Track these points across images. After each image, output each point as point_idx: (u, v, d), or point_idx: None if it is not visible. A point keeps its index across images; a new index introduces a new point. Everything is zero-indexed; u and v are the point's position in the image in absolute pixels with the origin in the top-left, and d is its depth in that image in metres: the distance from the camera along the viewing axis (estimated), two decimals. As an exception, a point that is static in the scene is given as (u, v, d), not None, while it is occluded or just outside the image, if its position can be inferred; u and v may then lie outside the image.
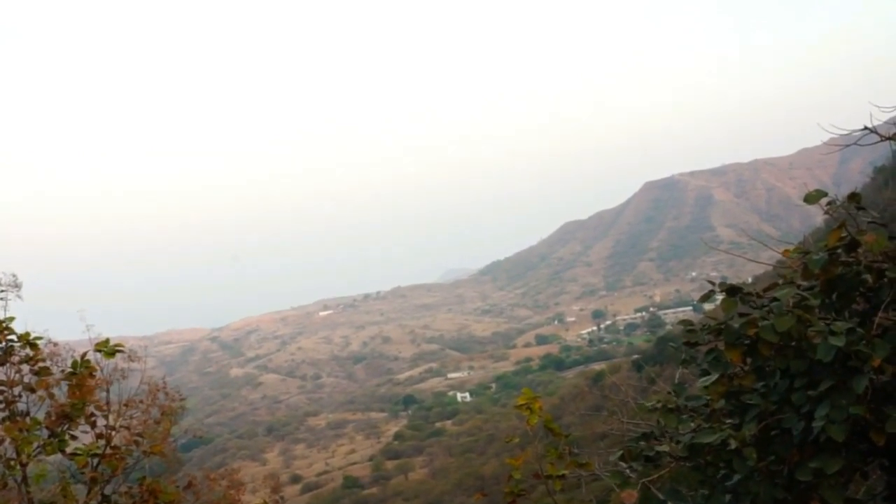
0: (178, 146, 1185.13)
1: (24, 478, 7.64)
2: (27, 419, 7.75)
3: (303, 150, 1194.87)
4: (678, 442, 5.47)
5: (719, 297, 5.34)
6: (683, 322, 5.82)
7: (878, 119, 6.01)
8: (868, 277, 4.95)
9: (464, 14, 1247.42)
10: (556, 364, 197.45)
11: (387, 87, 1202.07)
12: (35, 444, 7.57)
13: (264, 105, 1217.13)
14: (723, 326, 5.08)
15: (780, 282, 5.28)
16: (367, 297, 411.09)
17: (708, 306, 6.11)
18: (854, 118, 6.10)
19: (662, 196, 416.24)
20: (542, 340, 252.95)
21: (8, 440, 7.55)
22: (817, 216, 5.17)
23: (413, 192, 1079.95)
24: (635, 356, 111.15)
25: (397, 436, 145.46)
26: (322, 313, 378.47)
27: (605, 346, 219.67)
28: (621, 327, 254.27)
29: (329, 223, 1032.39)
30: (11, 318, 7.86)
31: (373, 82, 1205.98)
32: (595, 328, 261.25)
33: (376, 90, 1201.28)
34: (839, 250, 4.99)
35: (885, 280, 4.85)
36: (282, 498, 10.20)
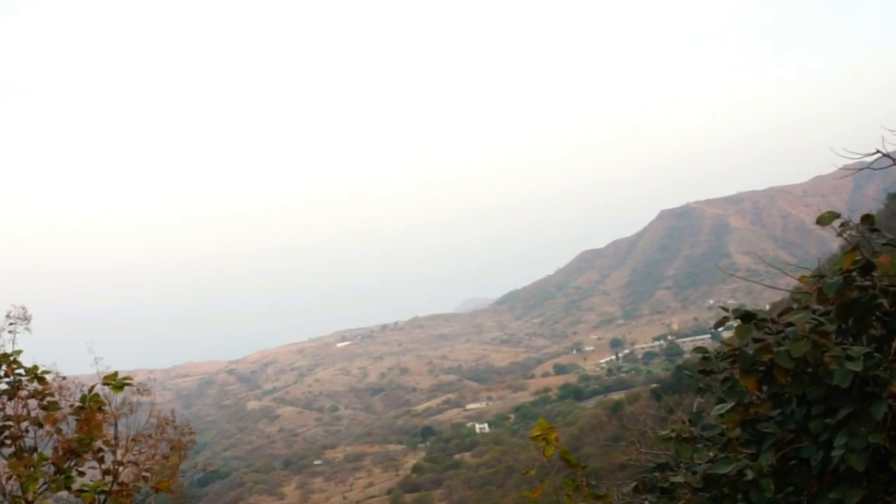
0: (192, 177, 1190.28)
1: (30, 515, 7.52)
2: (34, 455, 7.66)
3: (320, 181, 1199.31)
4: (694, 472, 5.36)
5: (734, 323, 5.26)
6: (698, 349, 5.74)
7: (892, 144, 5.97)
8: (884, 301, 4.86)
9: (479, 48, 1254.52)
10: (574, 394, 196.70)
11: (403, 121, 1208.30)
12: (41, 481, 7.47)
13: (281, 137, 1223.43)
14: (737, 353, 5.00)
15: (795, 306, 5.19)
16: (384, 327, 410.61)
17: (726, 334, 6.01)
18: (867, 146, 6.06)
19: (678, 224, 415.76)
20: (560, 370, 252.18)
21: (13, 477, 7.46)
22: (833, 242, 5.06)
23: (430, 223, 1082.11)
24: (654, 385, 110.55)
25: (416, 468, 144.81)
26: (339, 344, 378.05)
27: (623, 375, 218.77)
28: (639, 356, 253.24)
29: (346, 254, 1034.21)
30: (19, 352, 7.79)
31: (388, 115, 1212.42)
32: (613, 357, 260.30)
33: (392, 125, 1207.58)
34: (854, 273, 4.90)
35: None
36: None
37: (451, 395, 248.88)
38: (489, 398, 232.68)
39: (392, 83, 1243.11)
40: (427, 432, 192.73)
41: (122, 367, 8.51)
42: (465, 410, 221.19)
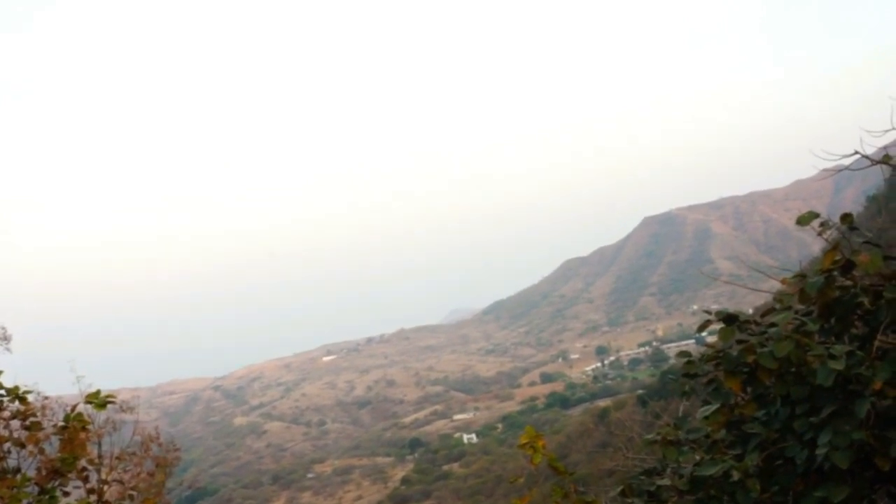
0: (175, 194, 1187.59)
1: (14, 537, 7.47)
2: (17, 476, 7.61)
3: (304, 195, 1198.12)
4: (680, 475, 5.37)
5: (718, 326, 5.28)
6: (682, 353, 5.75)
7: (870, 146, 6.01)
8: (865, 300, 4.88)
9: (460, 58, 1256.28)
10: (561, 402, 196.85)
11: (388, 132, 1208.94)
12: (24, 502, 7.41)
13: (266, 152, 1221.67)
14: (721, 355, 5.02)
15: (778, 307, 5.21)
16: (370, 340, 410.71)
17: (710, 338, 6.07)
18: (846, 149, 6.10)
19: (661, 231, 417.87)
20: (546, 378, 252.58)
21: (-3, 498, 7.41)
22: (814, 245, 5.09)
23: (414, 235, 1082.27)
24: (640, 391, 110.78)
25: (404, 480, 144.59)
26: (325, 358, 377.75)
27: (609, 382, 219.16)
28: (625, 363, 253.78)
29: (330, 267, 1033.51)
30: (-1, 372, 7.73)
31: (373, 127, 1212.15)
32: (599, 364, 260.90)
33: (378, 136, 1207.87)
34: (835, 273, 4.92)
35: (883, 301, 4.79)
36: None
37: (438, 407, 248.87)
38: (476, 408, 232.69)
39: (372, 88, 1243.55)
40: (415, 444, 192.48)
41: (105, 385, 8.49)
42: (453, 421, 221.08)
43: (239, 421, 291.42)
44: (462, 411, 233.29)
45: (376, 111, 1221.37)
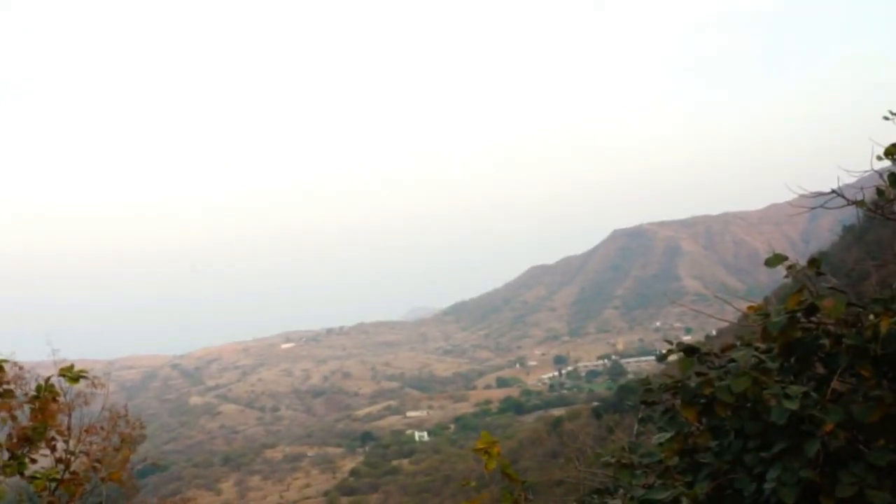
0: (146, 171, 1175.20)
1: (-18, 498, 7.61)
2: (-11, 440, 7.73)
3: (271, 180, 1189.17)
4: (632, 497, 5.52)
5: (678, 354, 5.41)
6: (642, 381, 5.88)
7: (847, 180, 6.19)
8: (826, 342, 5.02)
9: (429, 57, 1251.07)
10: (515, 407, 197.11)
11: (356, 125, 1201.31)
12: (-7, 466, 7.54)
13: (236, 136, 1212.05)
14: (680, 385, 5.15)
15: (739, 343, 5.36)
16: (329, 331, 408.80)
17: (671, 357, 6.20)
18: (825, 176, 6.27)
19: (630, 244, 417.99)
20: (502, 383, 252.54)
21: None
22: (784, 271, 5.21)
23: (379, 229, 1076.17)
24: (595, 403, 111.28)
25: (353, 472, 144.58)
26: (284, 346, 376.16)
27: (565, 391, 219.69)
28: (583, 374, 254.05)
29: (293, 256, 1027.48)
30: (-23, 340, 7.88)
31: (341, 121, 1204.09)
32: (556, 373, 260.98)
33: (346, 129, 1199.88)
34: (798, 314, 5.05)
35: (843, 346, 4.91)
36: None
37: (393, 402, 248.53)
38: (430, 407, 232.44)
39: (343, 84, 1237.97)
40: (366, 437, 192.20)
41: (64, 356, 8.61)
42: (406, 418, 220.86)
43: (194, 400, 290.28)
44: (416, 409, 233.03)
45: (341, 105, 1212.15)
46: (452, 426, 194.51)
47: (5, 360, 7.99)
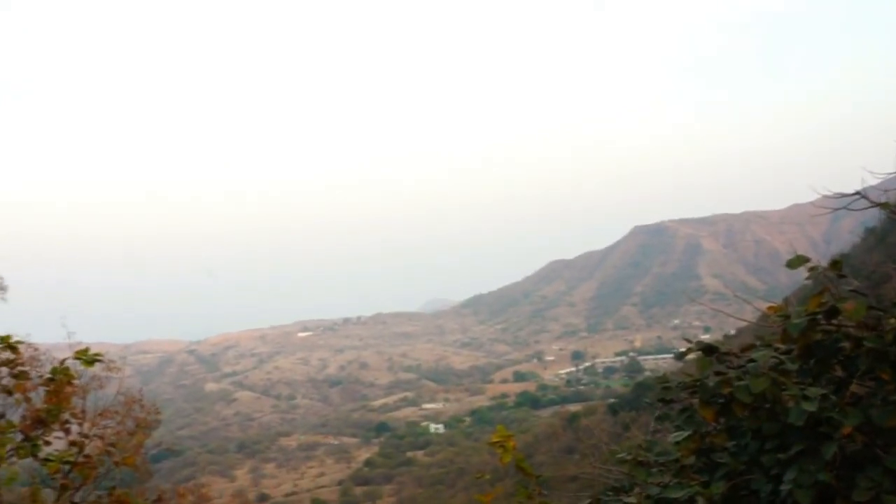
0: (166, 156, 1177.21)
1: (-5, 480, 7.65)
2: (2, 421, 7.77)
3: (295, 170, 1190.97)
4: (647, 496, 5.48)
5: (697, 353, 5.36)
6: (659, 379, 5.84)
7: (871, 181, 6.10)
8: (846, 345, 4.97)
9: (452, 54, 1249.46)
10: (531, 402, 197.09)
11: (376, 117, 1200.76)
12: (8, 447, 7.59)
13: (255, 127, 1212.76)
14: (698, 385, 5.11)
15: (758, 343, 5.31)
16: (347, 321, 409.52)
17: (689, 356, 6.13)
18: (848, 176, 6.18)
19: (651, 241, 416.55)
20: (519, 377, 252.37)
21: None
22: (803, 272, 5.15)
23: (399, 220, 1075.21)
24: (611, 400, 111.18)
25: (368, 462, 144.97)
26: (301, 334, 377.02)
27: (582, 387, 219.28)
28: (600, 370, 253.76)
29: (312, 245, 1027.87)
30: (-7, 320, 7.91)
31: (362, 112, 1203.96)
32: (574, 369, 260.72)
33: (366, 120, 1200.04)
34: (819, 316, 5.00)
35: (863, 349, 4.85)
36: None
37: (409, 394, 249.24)
38: (446, 399, 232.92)
39: (365, 75, 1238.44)
40: (382, 428, 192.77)
41: (78, 338, 8.63)
42: (422, 409, 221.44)
43: (210, 387, 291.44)
44: (432, 401, 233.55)
45: (361, 96, 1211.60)
46: (468, 419, 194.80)
47: (20, 342, 8.04)
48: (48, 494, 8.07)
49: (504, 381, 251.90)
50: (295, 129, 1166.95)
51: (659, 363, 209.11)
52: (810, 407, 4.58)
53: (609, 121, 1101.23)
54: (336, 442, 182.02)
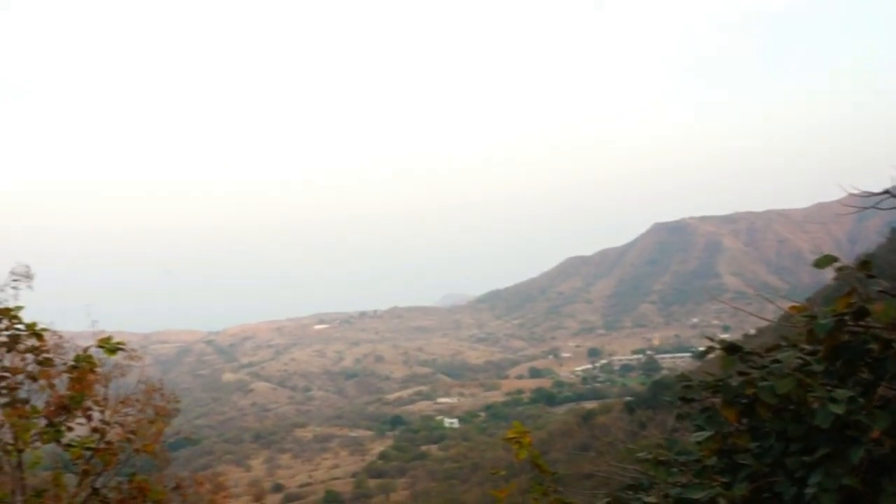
0: (187, 151, 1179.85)
1: (20, 463, 7.78)
2: (27, 406, 7.89)
3: (311, 162, 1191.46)
4: (667, 495, 5.45)
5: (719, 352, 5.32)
6: (679, 378, 5.81)
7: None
8: (874, 347, 4.90)
9: (469, 47, 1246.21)
10: (547, 398, 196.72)
11: (393, 111, 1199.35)
12: (33, 432, 7.72)
13: (272, 118, 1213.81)
14: (720, 384, 5.07)
15: (784, 343, 5.26)
16: (363, 314, 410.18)
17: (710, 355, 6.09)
18: (875, 174, 6.08)
19: (670, 239, 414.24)
20: (535, 373, 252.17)
21: (7, 425, 7.70)
22: (828, 272, 5.09)
23: (417, 216, 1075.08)
24: (628, 398, 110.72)
25: (382, 455, 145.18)
26: (317, 326, 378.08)
27: (598, 384, 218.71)
28: (616, 367, 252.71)
29: (329, 238, 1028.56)
30: (20, 307, 8.02)
31: (380, 107, 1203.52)
32: (590, 366, 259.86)
33: (383, 114, 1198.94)
34: (847, 317, 4.93)
35: (892, 351, 4.79)
36: (263, 506, 10.32)
37: (424, 388, 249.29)
38: (461, 394, 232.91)
39: (382, 69, 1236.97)
40: (396, 421, 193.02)
41: (101, 327, 8.72)
42: (436, 404, 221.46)
43: (227, 377, 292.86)
44: (447, 395, 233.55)
45: (379, 91, 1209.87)
46: (483, 414, 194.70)
47: (45, 329, 8.14)
48: (70, 479, 8.19)
49: (519, 376, 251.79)
50: (314, 124, 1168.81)
51: (677, 362, 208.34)
52: (838, 409, 4.53)
53: (626, 117, 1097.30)
54: (351, 434, 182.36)
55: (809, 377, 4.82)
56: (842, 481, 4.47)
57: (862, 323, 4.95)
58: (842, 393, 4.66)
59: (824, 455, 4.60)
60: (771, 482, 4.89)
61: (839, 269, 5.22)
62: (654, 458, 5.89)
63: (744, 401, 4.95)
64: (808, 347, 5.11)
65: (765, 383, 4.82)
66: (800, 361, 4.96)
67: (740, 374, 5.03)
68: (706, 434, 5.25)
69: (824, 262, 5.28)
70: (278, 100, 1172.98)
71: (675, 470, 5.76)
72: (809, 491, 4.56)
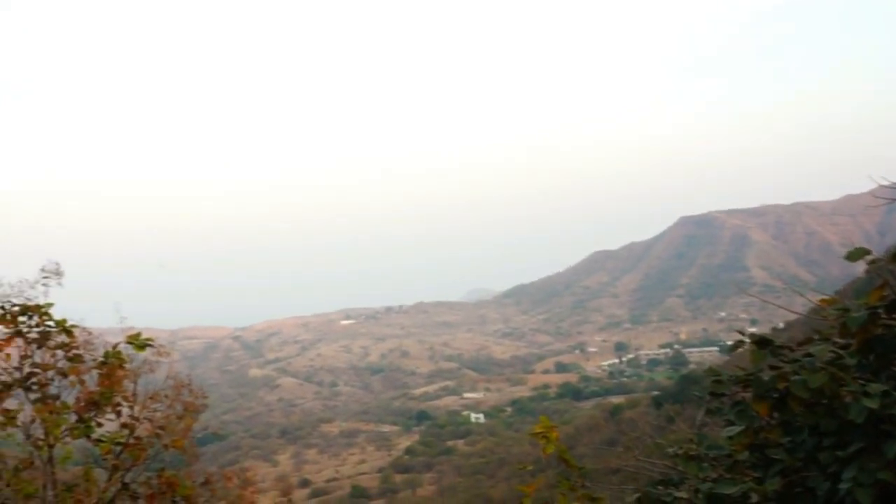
0: (213, 149, 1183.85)
1: (51, 458, 7.83)
2: (58, 402, 7.94)
3: (334, 160, 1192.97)
4: (697, 490, 5.41)
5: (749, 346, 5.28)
6: (709, 372, 5.77)
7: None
8: (909, 340, 4.88)
9: (497, 39, 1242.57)
10: (573, 393, 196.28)
11: (417, 106, 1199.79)
12: (63, 427, 7.78)
13: (294, 116, 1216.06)
14: (751, 378, 5.03)
15: (816, 337, 5.22)
16: (389, 309, 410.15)
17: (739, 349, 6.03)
18: None
19: (697, 232, 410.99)
20: (561, 368, 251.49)
21: (38, 421, 7.75)
22: (858, 265, 5.07)
23: (442, 211, 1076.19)
24: (655, 392, 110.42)
25: (408, 450, 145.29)
26: (343, 322, 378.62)
27: (625, 379, 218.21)
28: (643, 362, 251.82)
29: (355, 234, 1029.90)
30: (50, 304, 8.06)
31: (404, 102, 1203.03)
32: (617, 360, 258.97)
33: (407, 109, 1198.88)
34: (880, 310, 4.89)
35: None
36: (290, 501, 10.36)
37: (450, 383, 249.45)
38: (487, 389, 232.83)
39: (406, 65, 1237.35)
40: (422, 416, 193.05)
41: (129, 324, 8.76)
42: (462, 399, 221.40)
43: (254, 373, 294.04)
44: (473, 390, 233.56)
45: (402, 86, 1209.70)
46: (509, 409, 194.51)
47: (75, 326, 8.18)
48: (100, 474, 8.23)
49: (546, 371, 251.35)
50: (330, 126, 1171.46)
51: (704, 356, 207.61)
52: (872, 403, 4.49)
53: (654, 109, 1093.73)
54: (378, 429, 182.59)
55: (842, 371, 4.78)
56: (877, 476, 4.43)
57: (895, 316, 4.91)
58: (875, 387, 4.61)
59: (858, 450, 4.56)
60: (804, 477, 4.86)
61: (871, 262, 5.17)
62: (685, 453, 5.86)
63: (775, 395, 4.92)
64: (840, 341, 5.08)
65: (797, 377, 4.78)
66: (832, 355, 4.92)
67: (771, 367, 4.99)
68: (737, 429, 5.22)
69: (857, 254, 5.23)
70: (300, 98, 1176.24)
71: (705, 465, 5.73)
72: (843, 486, 4.53)
